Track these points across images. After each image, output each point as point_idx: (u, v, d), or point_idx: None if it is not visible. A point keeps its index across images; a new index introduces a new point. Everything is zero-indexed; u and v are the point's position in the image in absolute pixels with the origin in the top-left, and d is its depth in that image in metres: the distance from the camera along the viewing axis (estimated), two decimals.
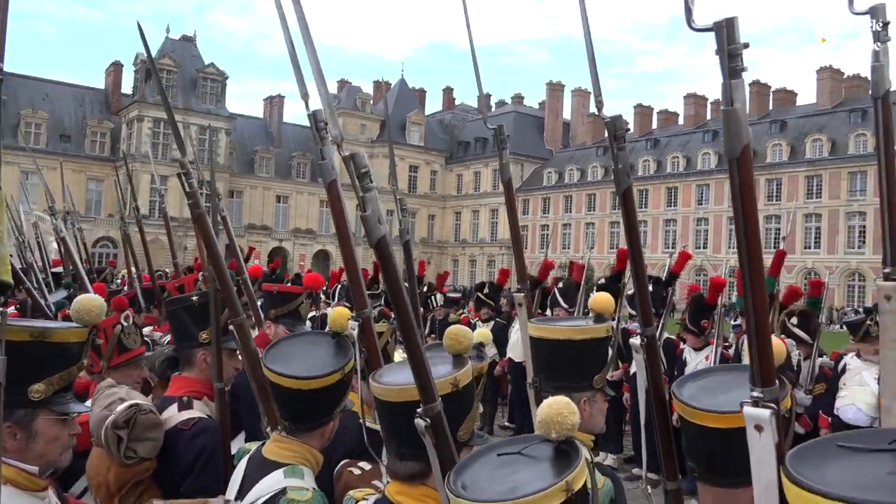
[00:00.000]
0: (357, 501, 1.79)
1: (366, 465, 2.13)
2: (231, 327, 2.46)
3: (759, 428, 1.14)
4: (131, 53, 60.99)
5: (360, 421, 2.01)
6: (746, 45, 1.13)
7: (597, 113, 1.92)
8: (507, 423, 10.32)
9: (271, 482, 1.96)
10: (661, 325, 7.98)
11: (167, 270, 29.16)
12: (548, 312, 9.57)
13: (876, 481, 0.92)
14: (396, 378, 1.71)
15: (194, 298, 2.68)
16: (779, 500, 1.10)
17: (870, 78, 1.79)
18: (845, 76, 52.91)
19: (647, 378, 1.77)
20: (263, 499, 1.93)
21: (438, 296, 10.76)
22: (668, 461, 1.76)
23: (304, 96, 1.94)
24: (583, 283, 8.45)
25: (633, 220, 1.72)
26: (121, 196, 16.18)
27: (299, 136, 63.39)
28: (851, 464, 0.97)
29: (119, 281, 11.45)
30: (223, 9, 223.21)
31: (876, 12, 1.71)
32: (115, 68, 60.57)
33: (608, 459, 8.19)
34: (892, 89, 1.77)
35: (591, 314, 2.35)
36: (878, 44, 1.73)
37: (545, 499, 1.18)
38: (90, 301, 1.99)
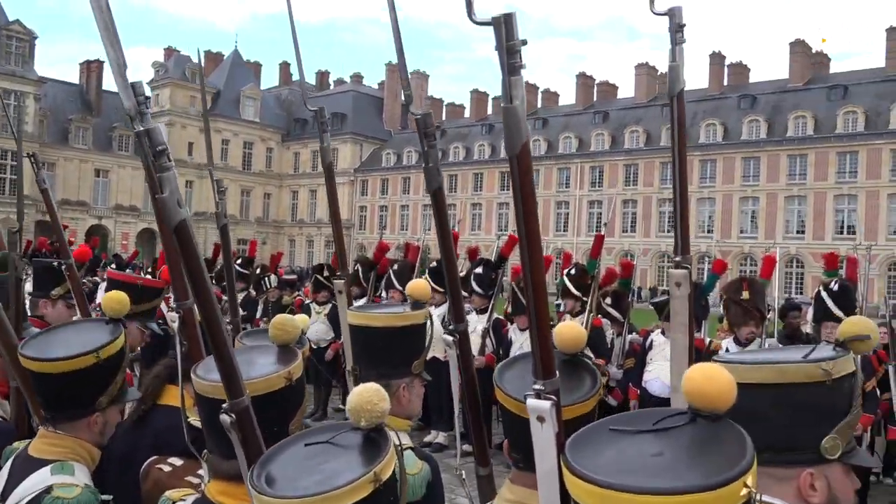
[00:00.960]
0: (174, 502, 1.71)
1: (177, 461, 2.04)
2: None
3: (540, 419, 1.17)
4: None
5: (182, 417, 1.92)
6: (524, 42, 1.12)
7: (408, 106, 1.96)
8: (341, 406, 10.31)
9: (36, 480, 1.86)
10: (491, 307, 8.32)
11: None
12: (383, 294, 9.66)
13: (640, 464, 0.96)
14: (215, 373, 1.66)
15: None
16: (559, 488, 1.13)
17: (668, 76, 1.88)
18: (659, 73, 57.40)
19: (460, 370, 1.81)
20: (27, 499, 1.82)
21: (272, 277, 10.49)
22: (480, 447, 1.83)
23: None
24: (417, 265, 8.61)
25: (444, 217, 1.74)
26: None
27: (122, 105, 58.77)
28: (622, 447, 1.02)
29: None
30: None
31: (673, 14, 1.78)
32: None
33: (440, 437, 8.43)
34: (685, 88, 1.89)
35: (409, 300, 2.40)
36: (675, 45, 1.81)
37: (353, 491, 1.17)
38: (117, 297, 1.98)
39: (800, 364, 1.31)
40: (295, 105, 71.14)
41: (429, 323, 2.27)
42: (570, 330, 1.66)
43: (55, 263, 3.10)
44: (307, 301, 10.11)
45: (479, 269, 8.58)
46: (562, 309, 8.12)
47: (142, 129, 1.30)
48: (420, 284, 2.26)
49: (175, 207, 1.26)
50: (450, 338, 1.79)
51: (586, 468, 0.96)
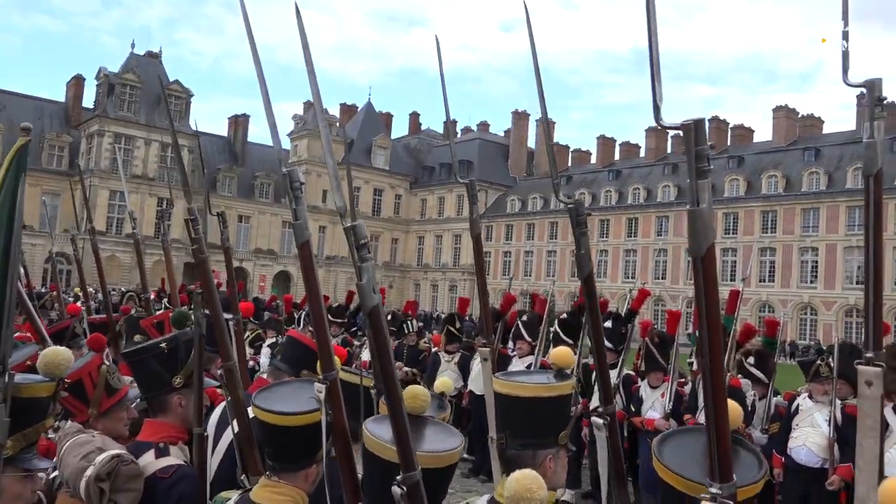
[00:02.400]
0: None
1: None
2: (220, 372, 2.45)
3: None
4: (94, 67, 60.08)
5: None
6: (712, 146, 1.10)
7: (557, 200, 2.01)
8: (465, 455, 10.30)
9: None
10: (620, 362, 8.10)
11: (122, 288, 28.35)
12: (510, 345, 9.64)
13: None
14: (383, 433, 1.75)
15: (163, 345, 2.63)
16: None
17: (863, 153, 1.70)
18: (800, 115, 54.72)
19: (609, 450, 1.82)
20: None
21: (414, 322, 10.85)
22: None
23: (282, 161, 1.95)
24: (545, 315, 8.54)
25: (594, 300, 1.76)
26: (76, 211, 15.90)
27: (264, 155, 63.05)
28: None
29: (69, 300, 11.12)
30: (192, 27, 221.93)
31: (873, 87, 1.60)
32: (77, 81, 59.69)
33: (566, 495, 8.22)
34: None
35: (552, 367, 2.37)
36: (872, 121, 1.63)
37: None
38: (58, 354, 1.96)
39: None
40: (423, 153, 73.38)
41: (576, 393, 2.26)
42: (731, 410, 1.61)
43: (228, 321, 3.27)
44: (434, 349, 10.28)
45: (608, 323, 8.41)
46: (696, 367, 7.78)
47: (349, 224, 1.45)
48: (564, 353, 2.23)
49: (370, 293, 1.39)
50: (599, 420, 1.80)
51: None
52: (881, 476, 1.71)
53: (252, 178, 63.54)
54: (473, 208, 2.24)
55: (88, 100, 59.01)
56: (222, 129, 67.59)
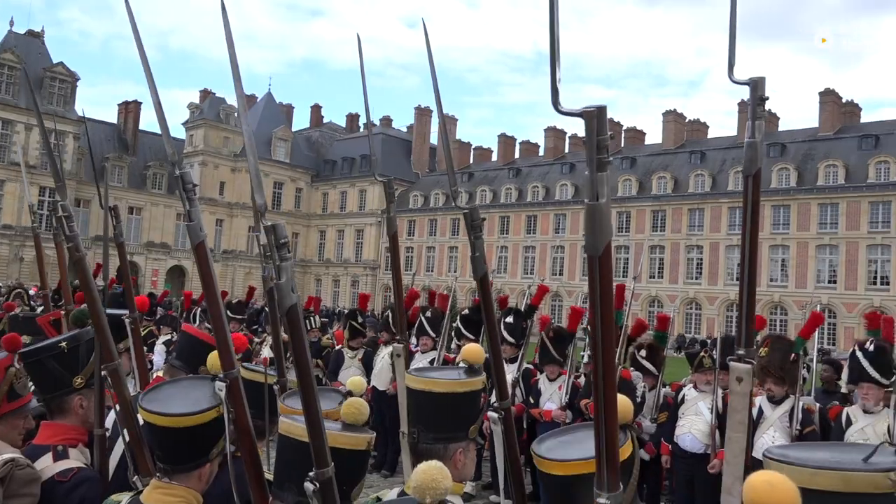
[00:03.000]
0: None
1: None
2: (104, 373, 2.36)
3: None
4: None
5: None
6: (612, 136, 1.05)
7: (453, 203, 2.01)
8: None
9: None
10: (520, 356, 8.34)
11: None
12: (413, 340, 9.71)
13: None
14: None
15: (63, 345, 2.52)
16: None
17: (744, 153, 1.67)
18: (687, 120, 57.62)
19: (504, 445, 1.85)
20: None
21: (316, 318, 10.72)
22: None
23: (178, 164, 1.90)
24: (448, 311, 8.67)
25: (489, 303, 1.78)
26: None
27: (157, 145, 60.40)
28: None
29: None
30: (78, 6, 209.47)
31: (756, 86, 1.57)
32: None
33: (467, 486, 8.38)
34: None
35: (462, 363, 2.44)
36: (754, 119, 1.61)
37: None
38: None
39: (866, 473, 1.23)
40: (324, 147, 72.35)
41: (486, 388, 2.31)
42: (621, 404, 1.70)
43: (124, 317, 3.14)
44: (338, 346, 10.22)
45: (509, 319, 8.63)
46: (586, 360, 8.13)
47: (268, 223, 1.42)
48: (475, 349, 2.28)
49: (289, 293, 1.38)
50: (495, 414, 1.84)
51: None
52: (748, 469, 1.72)
53: (144, 167, 60.77)
54: (391, 206, 2.27)
55: None
56: (112, 116, 64.29)
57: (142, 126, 62.96)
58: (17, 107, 52.68)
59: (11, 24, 54.88)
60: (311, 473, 1.47)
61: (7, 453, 2.20)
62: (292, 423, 1.84)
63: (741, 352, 1.73)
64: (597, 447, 1.13)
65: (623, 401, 1.71)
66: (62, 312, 4.29)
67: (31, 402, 2.65)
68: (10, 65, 52.20)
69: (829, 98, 49.92)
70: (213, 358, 2.36)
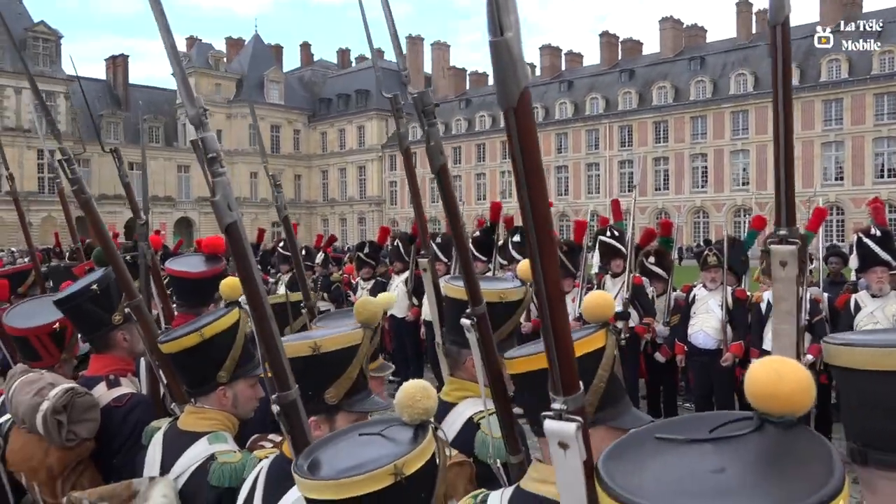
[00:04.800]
0: (260, 460, 1.88)
1: (276, 437, 2.20)
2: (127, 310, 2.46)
3: (563, 445, 0.94)
4: None
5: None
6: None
7: (405, 85, 1.85)
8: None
9: (197, 451, 2.03)
10: None
11: (12, 249, 26.78)
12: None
13: (697, 483, 0.79)
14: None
15: (94, 287, 2.61)
16: None
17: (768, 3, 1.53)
18: (685, 26, 56.20)
19: (482, 355, 1.72)
20: (193, 468, 2.00)
21: (320, 255, 10.96)
22: (509, 434, 1.76)
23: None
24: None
25: (451, 194, 1.67)
26: None
27: (149, 98, 59.71)
28: (671, 461, 0.85)
29: None
30: None
31: None
32: None
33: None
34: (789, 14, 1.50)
35: (515, 276, 2.41)
36: None
37: (370, 481, 1.21)
38: None
39: None
40: (318, 85, 71.25)
41: (521, 303, 2.26)
42: (598, 298, 1.57)
43: (128, 258, 3.20)
44: (353, 281, 10.41)
45: (517, 238, 8.73)
46: (596, 270, 8.25)
47: (199, 137, 1.33)
48: (527, 266, 2.19)
49: (226, 210, 1.31)
50: (467, 321, 1.68)
51: (629, 490, 0.79)
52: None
53: (139, 122, 60.19)
54: (400, 122, 2.21)
55: None
56: (100, 73, 63.33)
57: (132, 80, 62.08)
58: (4, 70, 51.91)
59: None
60: (273, 397, 1.45)
61: (63, 383, 2.33)
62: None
63: (783, 232, 1.46)
64: (545, 339, 0.94)
65: (599, 295, 1.57)
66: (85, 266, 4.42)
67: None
68: None
69: None
70: (226, 285, 2.45)
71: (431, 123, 1.58)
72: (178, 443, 2.09)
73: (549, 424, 0.95)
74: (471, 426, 2.10)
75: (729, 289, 6.74)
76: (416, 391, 1.34)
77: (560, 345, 0.94)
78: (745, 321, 6.57)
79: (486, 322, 1.71)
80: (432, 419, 1.37)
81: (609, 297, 1.66)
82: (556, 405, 0.94)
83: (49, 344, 2.70)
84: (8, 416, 2.43)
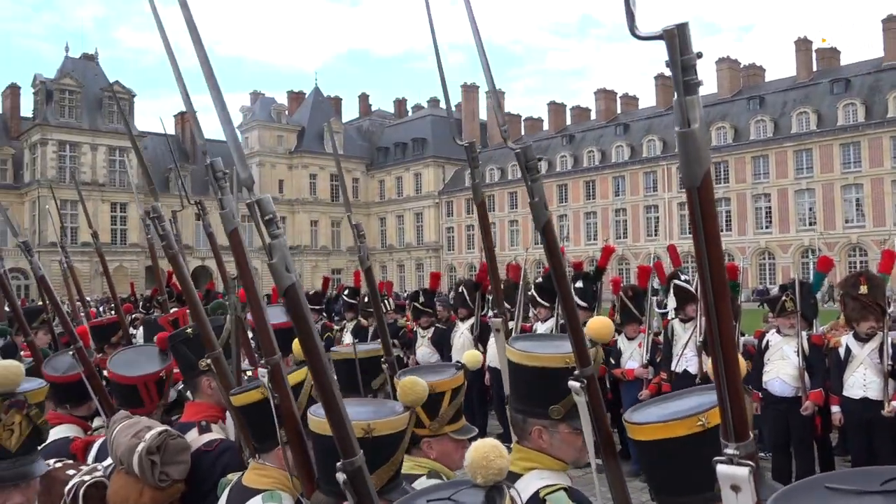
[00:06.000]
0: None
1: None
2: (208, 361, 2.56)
3: (735, 488, 1.01)
4: (29, 75, 58.25)
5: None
6: (700, 55, 0.94)
7: (504, 142, 1.81)
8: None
9: None
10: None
11: (88, 298, 27.89)
12: (489, 314, 9.84)
13: None
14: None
15: (189, 331, 2.76)
16: None
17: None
18: (742, 66, 55.65)
19: (591, 418, 1.72)
20: None
21: (390, 301, 10.99)
22: (620, 493, 1.75)
23: (203, 147, 1.93)
24: (521, 283, 8.75)
25: (555, 250, 1.63)
26: (54, 225, 15.55)
27: (215, 151, 60.80)
28: None
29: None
30: (128, 25, 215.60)
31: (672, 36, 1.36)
32: (12, 90, 57.91)
33: None
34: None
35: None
36: (681, 96, 1.41)
37: None
38: (8, 370, 1.92)
39: None
40: (376, 135, 72.92)
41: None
42: (602, 321, 1.59)
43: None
44: (414, 328, 10.48)
45: (579, 283, 8.68)
46: (673, 315, 8.12)
47: (252, 199, 1.33)
48: (598, 323, 2.02)
49: (284, 273, 1.27)
50: (576, 384, 1.68)
51: None
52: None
53: (205, 174, 62.37)
54: (475, 172, 2.13)
55: (27, 108, 57.29)
56: (171, 128, 66.20)
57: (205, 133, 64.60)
58: (81, 128, 54.82)
59: (67, 49, 57.01)
60: (338, 464, 1.38)
61: (160, 426, 2.44)
62: (313, 418, 1.76)
63: (732, 450, 1.21)
64: (718, 390, 1.02)
65: (602, 320, 1.57)
66: (184, 310, 4.61)
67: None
68: (69, 89, 54.27)
69: (892, 25, 47.40)
70: (297, 344, 2.52)
71: (534, 179, 1.53)
72: (238, 497, 2.12)
73: (722, 469, 1.02)
74: (536, 501, 1.96)
75: (804, 334, 6.54)
76: (488, 450, 1.27)
77: (732, 393, 1.02)
78: (824, 367, 6.36)
79: (596, 384, 1.68)
80: (506, 480, 1.30)
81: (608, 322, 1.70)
82: (728, 450, 1.02)
83: (153, 391, 2.84)
84: (110, 460, 2.55)
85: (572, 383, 1.68)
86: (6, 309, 5.96)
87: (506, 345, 2.16)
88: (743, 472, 1.00)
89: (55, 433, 2.97)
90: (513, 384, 2.14)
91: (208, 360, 2.58)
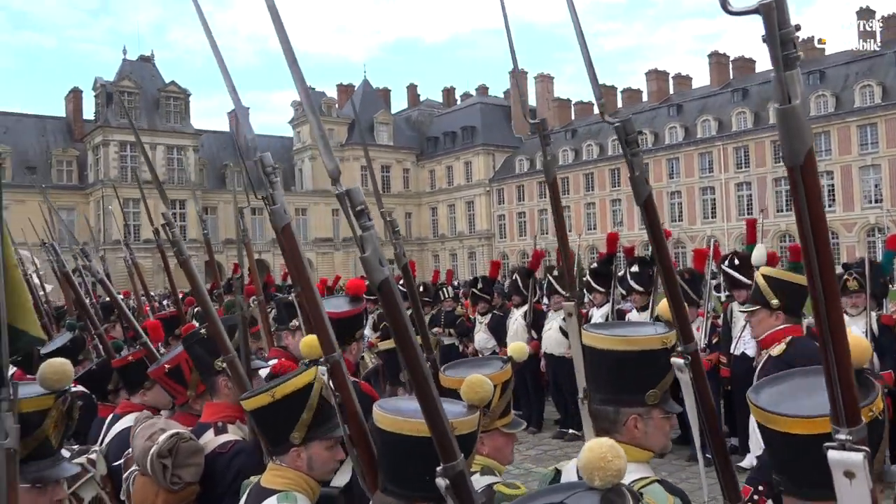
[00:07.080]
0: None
1: None
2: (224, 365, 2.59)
3: (849, 474, 0.98)
4: (90, 78, 60.17)
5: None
6: (798, 28, 0.91)
7: (601, 118, 1.76)
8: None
9: None
10: (651, 303, 8.26)
11: (153, 293, 28.78)
12: (544, 300, 9.81)
13: None
14: (403, 408, 1.67)
15: (202, 331, 2.77)
16: None
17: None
18: (800, 39, 53.70)
19: (696, 395, 1.64)
20: None
21: (449, 289, 11.12)
22: (729, 481, 1.66)
23: (251, 142, 1.89)
24: (576, 268, 8.69)
25: (657, 227, 1.54)
26: (116, 225, 16.10)
27: (268, 146, 62.87)
28: None
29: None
30: (181, 28, 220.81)
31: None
32: (75, 94, 59.79)
33: None
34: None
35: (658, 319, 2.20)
36: (629, 155, 1.47)
37: None
38: (56, 369, 1.88)
39: None
40: (425, 125, 73.00)
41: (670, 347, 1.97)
42: (856, 344, 1.36)
43: (291, 297, 3.41)
44: (472, 316, 10.55)
45: (634, 268, 8.57)
46: (724, 299, 7.94)
47: (341, 190, 1.30)
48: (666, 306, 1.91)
49: (377, 266, 1.20)
50: (680, 360, 1.62)
51: None
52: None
53: (258, 170, 63.49)
54: (547, 150, 2.14)
55: (88, 111, 59.16)
56: (225, 125, 67.64)
57: (253, 130, 65.82)
58: (141, 128, 56.41)
59: (124, 52, 58.57)
60: (438, 469, 1.29)
61: (174, 429, 2.49)
62: (384, 415, 1.67)
63: (843, 436, 1.16)
64: (827, 375, 0.98)
65: (857, 339, 1.38)
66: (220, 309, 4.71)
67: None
68: (129, 91, 55.81)
69: None
70: (305, 344, 2.52)
71: (635, 153, 1.47)
72: (256, 498, 2.14)
73: (833, 454, 1.00)
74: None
75: (874, 314, 6.32)
76: (606, 450, 1.18)
77: (843, 378, 1.00)
78: (894, 348, 6.13)
79: (700, 361, 1.63)
80: (624, 482, 1.21)
81: (861, 338, 1.62)
82: (840, 436, 1.00)
83: (172, 383, 2.92)
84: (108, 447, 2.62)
85: (676, 360, 1.65)
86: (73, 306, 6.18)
87: (589, 331, 2.04)
88: (857, 457, 0.98)
89: (124, 422, 3.08)
90: (597, 374, 2.02)
91: (223, 364, 2.61)
